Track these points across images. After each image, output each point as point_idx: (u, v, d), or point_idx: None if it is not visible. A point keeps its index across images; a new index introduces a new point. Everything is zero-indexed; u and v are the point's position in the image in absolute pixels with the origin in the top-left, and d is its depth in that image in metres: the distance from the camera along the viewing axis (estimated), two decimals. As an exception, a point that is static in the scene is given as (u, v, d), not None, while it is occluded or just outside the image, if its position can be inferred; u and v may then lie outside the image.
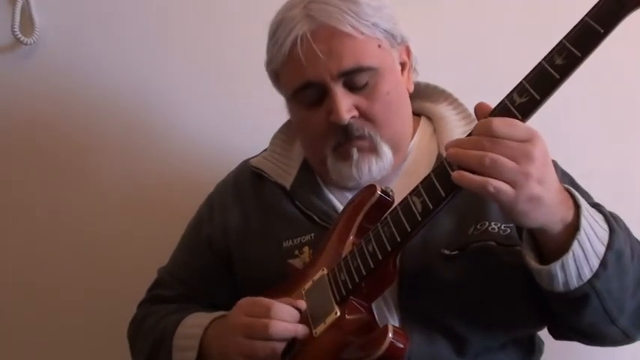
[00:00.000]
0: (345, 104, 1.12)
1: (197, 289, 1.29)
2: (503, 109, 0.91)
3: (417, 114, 1.27)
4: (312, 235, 1.17)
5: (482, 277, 1.07)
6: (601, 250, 0.95)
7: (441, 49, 1.51)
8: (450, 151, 0.92)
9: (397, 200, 1.04)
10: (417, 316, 1.07)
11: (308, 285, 1.10)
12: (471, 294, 1.07)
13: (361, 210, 1.09)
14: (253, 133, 1.45)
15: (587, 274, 0.94)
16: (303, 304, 1.07)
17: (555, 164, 1.08)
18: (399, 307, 1.09)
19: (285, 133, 1.32)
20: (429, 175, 0.97)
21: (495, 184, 0.87)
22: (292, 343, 1.04)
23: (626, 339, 1.06)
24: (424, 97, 1.29)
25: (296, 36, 1.12)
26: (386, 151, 1.16)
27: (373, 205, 1.08)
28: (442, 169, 0.95)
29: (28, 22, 1.63)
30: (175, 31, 1.63)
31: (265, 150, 1.32)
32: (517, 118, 0.90)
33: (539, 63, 0.89)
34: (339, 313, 1.03)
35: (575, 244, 0.92)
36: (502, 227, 1.09)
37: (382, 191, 1.08)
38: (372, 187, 1.09)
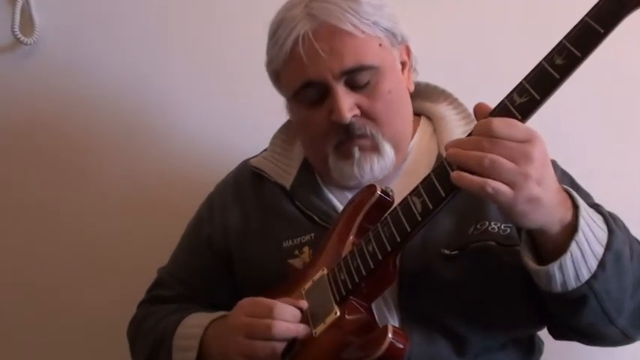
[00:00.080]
0: (347, 103, 1.12)
1: (197, 289, 1.29)
2: (503, 110, 0.91)
3: (417, 114, 1.27)
4: (312, 235, 1.17)
5: (482, 277, 1.07)
6: (599, 251, 0.95)
7: (441, 49, 1.50)
8: (449, 151, 0.92)
9: (397, 200, 1.04)
10: (417, 316, 1.07)
11: (308, 285, 1.10)
12: (470, 294, 1.07)
13: (361, 210, 1.09)
14: (253, 133, 1.45)
15: (585, 275, 0.94)
16: (304, 304, 1.07)
17: (555, 164, 1.08)
18: (398, 307, 1.09)
19: (285, 133, 1.32)
20: (429, 175, 0.97)
21: (494, 184, 0.87)
22: (292, 343, 1.04)
23: (626, 339, 1.06)
24: (424, 96, 1.28)
25: (297, 35, 1.12)
26: (388, 149, 1.16)
27: (373, 205, 1.08)
28: (442, 169, 0.95)
29: (28, 22, 1.63)
30: (175, 31, 1.63)
31: (265, 150, 1.32)
32: (517, 118, 0.90)
33: (539, 63, 0.89)
34: (338, 313, 1.03)
35: (573, 245, 0.92)
36: (502, 227, 1.08)
37: (382, 191, 1.08)
38: (371, 187, 1.09)
